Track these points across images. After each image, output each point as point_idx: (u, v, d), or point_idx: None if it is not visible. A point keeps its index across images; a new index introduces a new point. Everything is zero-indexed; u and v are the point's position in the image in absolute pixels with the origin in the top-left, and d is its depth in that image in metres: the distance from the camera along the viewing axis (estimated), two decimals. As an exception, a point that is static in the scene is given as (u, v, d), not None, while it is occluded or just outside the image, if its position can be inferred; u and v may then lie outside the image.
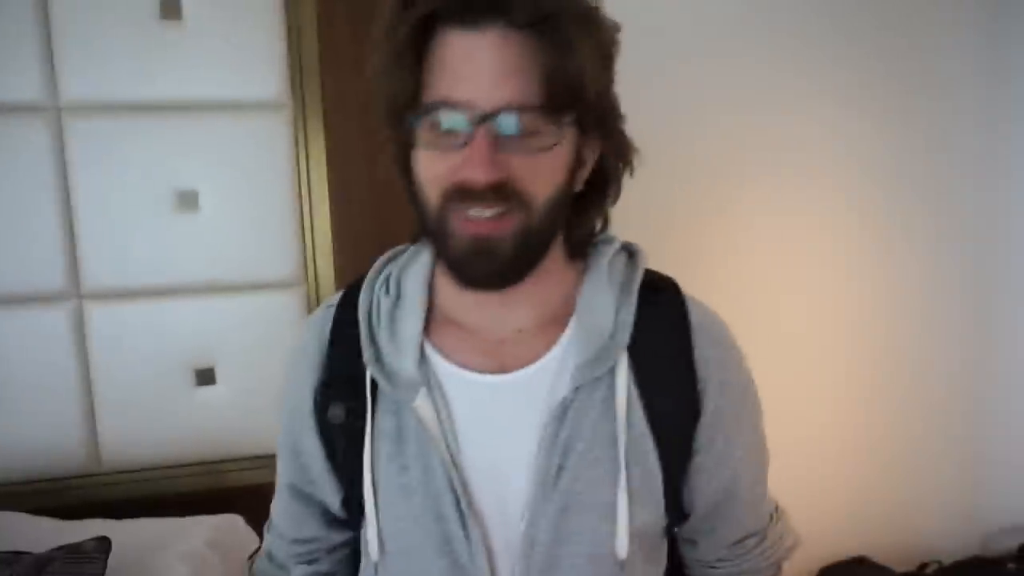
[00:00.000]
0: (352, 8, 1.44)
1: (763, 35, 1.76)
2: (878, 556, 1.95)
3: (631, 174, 0.74)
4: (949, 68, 1.89)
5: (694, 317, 0.75)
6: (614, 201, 0.75)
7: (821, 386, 1.91)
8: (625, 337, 0.72)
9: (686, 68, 1.71)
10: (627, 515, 0.70)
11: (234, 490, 1.45)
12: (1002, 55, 1.92)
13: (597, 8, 0.66)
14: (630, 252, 0.78)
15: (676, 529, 0.79)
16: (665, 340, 0.74)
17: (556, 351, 0.72)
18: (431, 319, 0.75)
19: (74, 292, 1.40)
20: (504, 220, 0.64)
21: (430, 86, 0.63)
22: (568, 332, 0.73)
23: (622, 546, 0.70)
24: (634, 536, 0.71)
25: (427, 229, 0.69)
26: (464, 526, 0.70)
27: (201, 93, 1.41)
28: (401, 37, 0.63)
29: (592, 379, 0.71)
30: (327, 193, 1.46)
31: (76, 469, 1.43)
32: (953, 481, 2.07)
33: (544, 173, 0.65)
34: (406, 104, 0.64)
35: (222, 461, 1.45)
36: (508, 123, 0.62)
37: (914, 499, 2.04)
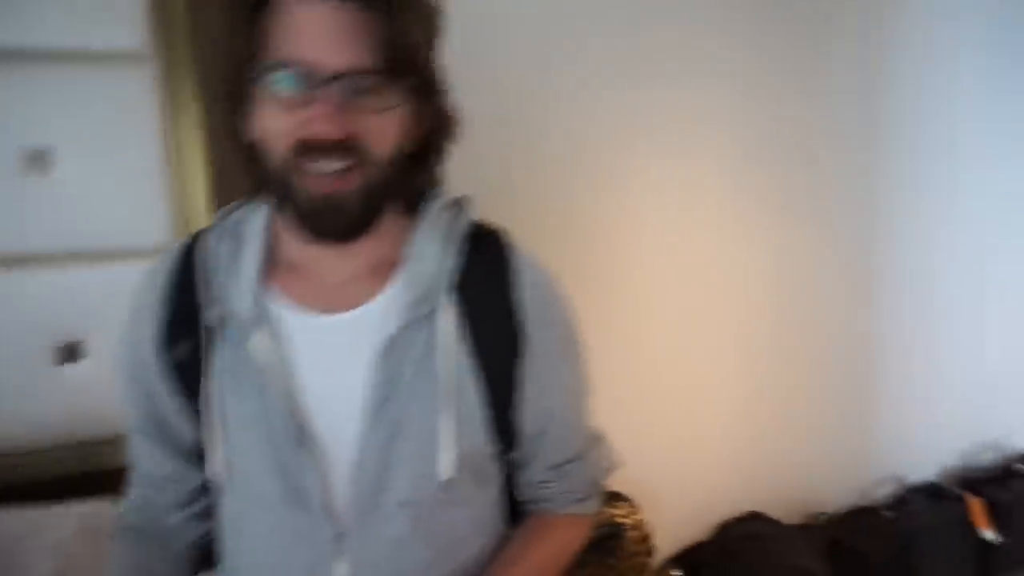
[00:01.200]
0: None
1: (646, 6, 1.73)
2: (771, 510, 2.04)
3: (454, 141, 0.82)
4: (834, 42, 1.95)
5: (517, 262, 0.84)
6: (439, 162, 0.83)
7: (713, 351, 1.96)
8: (447, 278, 0.80)
9: (568, 43, 1.67)
10: (452, 442, 0.79)
11: (108, 472, 1.32)
12: (884, 31, 2.00)
13: None
14: (457, 204, 0.85)
15: (509, 454, 0.88)
16: (488, 283, 0.82)
17: (386, 294, 0.80)
18: (271, 265, 0.82)
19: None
20: (349, 176, 0.71)
21: (273, 47, 0.69)
22: (396, 277, 0.81)
23: (444, 469, 0.79)
24: (460, 460, 0.79)
25: (270, 184, 0.74)
26: (298, 454, 0.78)
27: (52, 41, 1.26)
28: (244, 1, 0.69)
29: (417, 318, 0.78)
30: (201, 152, 1.35)
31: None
32: (837, 437, 2.20)
33: (384, 132, 0.72)
34: (248, 62, 0.70)
35: (93, 442, 1.33)
36: (353, 83, 0.68)
37: (803, 455, 2.14)
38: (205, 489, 0.90)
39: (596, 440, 0.97)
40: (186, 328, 0.80)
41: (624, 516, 1.71)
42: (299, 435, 0.78)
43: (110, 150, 1.32)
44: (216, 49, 0.74)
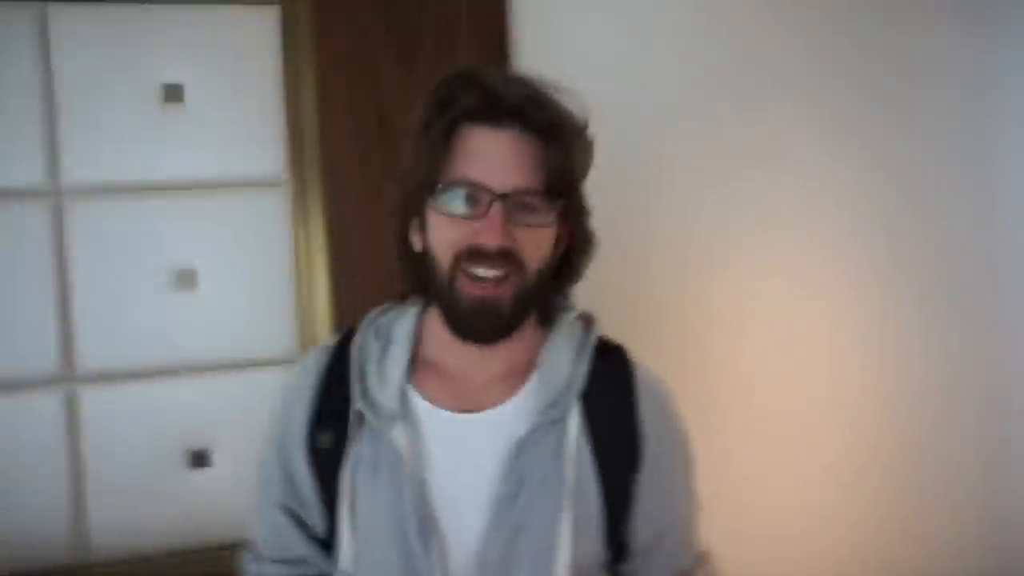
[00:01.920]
0: (352, 83, 1.47)
1: (745, 92, 1.74)
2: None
3: (592, 257, 0.91)
4: (935, 114, 1.89)
5: (639, 376, 0.91)
6: (578, 279, 0.92)
7: (827, 464, 1.86)
8: (578, 388, 0.86)
9: (666, 136, 1.70)
10: (569, 544, 0.82)
11: (230, 576, 1.39)
12: (988, 93, 1.92)
13: (587, 124, 0.85)
14: (586, 319, 0.93)
15: (617, 566, 0.91)
16: (613, 396, 0.88)
17: (519, 398, 0.86)
18: (415, 364, 0.89)
19: (68, 375, 1.37)
20: (505, 283, 0.79)
21: (455, 168, 0.80)
22: (530, 382, 0.87)
23: (561, 569, 0.81)
24: (575, 565, 0.82)
25: (434, 286, 0.83)
26: (425, 545, 0.81)
27: (201, 173, 1.42)
28: (437, 130, 0.80)
29: (548, 422, 0.84)
30: (326, 268, 1.46)
31: (64, 559, 1.37)
32: (970, 538, 2.00)
33: (539, 247, 0.82)
34: (433, 181, 0.80)
35: (220, 547, 1.39)
36: (518, 202, 0.79)
37: (935, 556, 1.96)
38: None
39: (704, 557, 0.98)
40: (334, 417, 0.86)
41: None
42: (427, 527, 0.81)
43: (246, 267, 1.45)
44: (408, 171, 0.85)
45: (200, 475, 1.43)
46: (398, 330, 0.90)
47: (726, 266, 1.76)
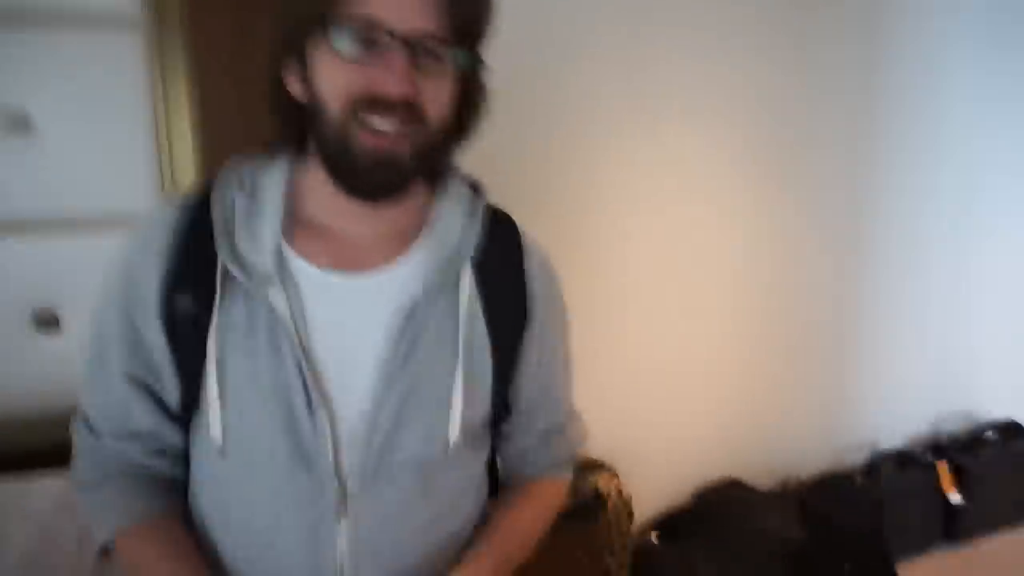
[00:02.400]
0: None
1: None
2: (748, 477, 2.09)
3: (486, 115, 0.83)
4: (825, 33, 1.96)
5: (528, 243, 0.89)
6: (471, 138, 0.84)
7: (693, 324, 1.98)
8: (470, 251, 0.83)
9: (571, 29, 1.65)
10: (461, 403, 0.80)
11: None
12: (874, 24, 2.01)
13: None
14: (473, 184, 0.89)
15: (501, 424, 0.92)
16: (504, 259, 0.86)
17: (408, 259, 0.81)
18: (290, 222, 0.81)
19: None
20: (404, 137, 0.72)
21: (341, 4, 0.69)
22: (419, 243, 0.83)
23: (454, 431, 0.81)
24: (463, 424, 0.81)
25: (321, 138, 0.74)
26: (311, 411, 0.76)
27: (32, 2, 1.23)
28: None
29: (439, 285, 0.80)
30: (187, 118, 1.32)
31: None
32: (812, 406, 2.25)
33: (440, 99, 0.74)
34: (321, 16, 0.70)
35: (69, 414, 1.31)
36: (421, 46, 0.70)
37: (779, 424, 2.19)
38: (180, 451, 0.86)
39: (575, 413, 1.01)
40: (194, 278, 0.77)
41: (605, 484, 1.73)
42: (312, 392, 0.76)
43: (93, 113, 1.29)
44: (280, 3, 0.74)
45: (49, 340, 1.32)
46: (267, 184, 0.81)
47: (617, 144, 1.76)
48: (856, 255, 2.18)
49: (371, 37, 0.69)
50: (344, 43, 0.70)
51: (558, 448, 0.97)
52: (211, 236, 0.77)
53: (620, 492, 1.74)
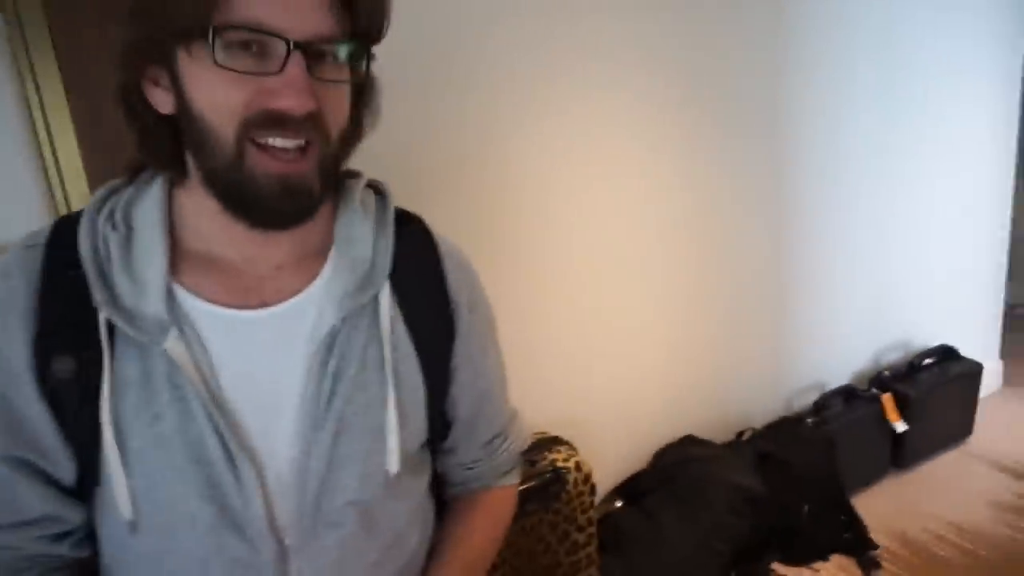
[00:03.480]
0: None
1: None
2: (703, 433, 2.11)
3: (378, 111, 0.75)
4: None
5: (442, 246, 0.82)
6: (364, 136, 0.75)
7: (635, 290, 1.97)
8: (386, 264, 0.76)
9: None
10: (397, 432, 0.74)
11: None
12: None
13: None
14: (376, 188, 0.81)
15: (441, 441, 0.86)
16: (420, 268, 0.79)
17: (318, 283, 0.74)
18: (174, 256, 0.71)
19: None
20: (307, 154, 0.64)
21: (233, 6, 0.59)
22: (329, 264, 0.74)
23: (392, 462, 0.74)
24: (401, 452, 0.75)
25: (208, 162, 0.65)
26: (233, 467, 0.68)
27: None
28: None
29: (358, 307, 0.73)
30: (71, 124, 1.21)
31: None
32: (759, 356, 2.28)
33: (340, 107, 0.67)
34: (196, 20, 0.59)
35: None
36: (319, 52, 0.62)
37: (729, 377, 2.22)
38: (83, 529, 0.75)
39: (515, 415, 0.96)
40: (72, 339, 0.66)
41: (564, 460, 1.72)
42: (233, 448, 0.68)
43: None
44: (135, 5, 0.62)
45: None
46: (141, 215, 0.70)
47: (536, 118, 1.70)
48: (784, 203, 2.20)
49: (262, 44, 0.61)
50: (229, 54, 0.60)
51: (502, 455, 0.93)
52: (82, 283, 0.67)
53: (579, 466, 1.73)
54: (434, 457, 0.89)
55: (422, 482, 0.85)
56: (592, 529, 1.75)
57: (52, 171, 1.22)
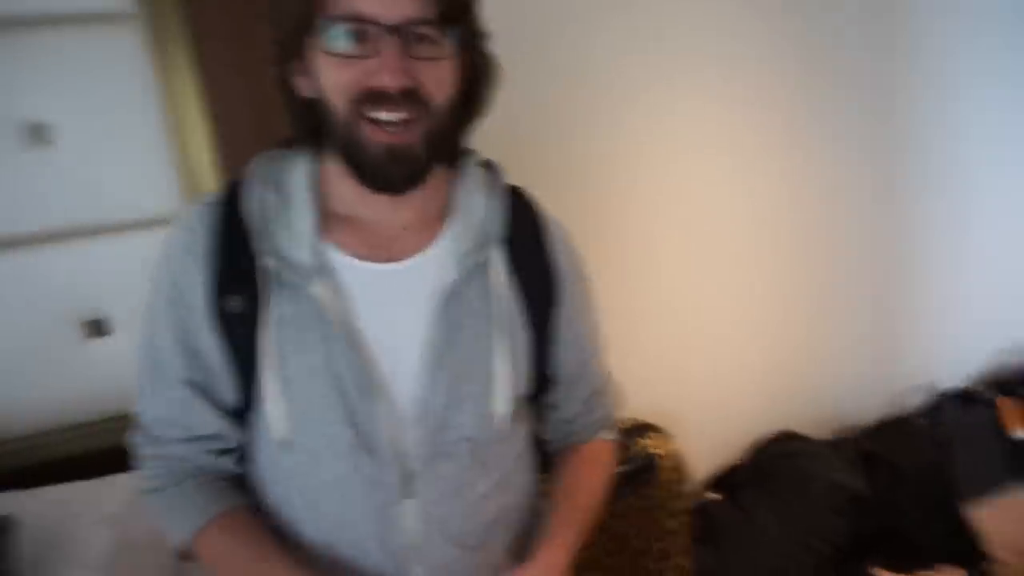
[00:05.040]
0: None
1: None
2: (804, 428, 2.06)
3: (496, 86, 0.83)
4: None
5: (547, 219, 0.92)
6: (485, 112, 0.84)
7: (737, 276, 1.94)
8: (497, 231, 0.85)
9: None
10: (506, 379, 0.84)
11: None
12: None
13: None
14: (488, 164, 0.90)
15: (544, 396, 0.95)
16: (527, 237, 0.88)
17: (439, 243, 0.84)
18: (321, 216, 0.82)
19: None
20: (413, 126, 0.73)
21: (330, 3, 0.70)
22: (448, 227, 0.85)
23: (501, 405, 0.84)
24: (509, 399, 0.84)
25: (334, 136, 0.76)
26: (367, 398, 0.79)
27: (33, 5, 1.21)
28: None
29: (473, 265, 0.83)
30: (199, 113, 1.31)
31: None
32: (866, 351, 2.19)
33: (442, 82, 0.74)
34: (310, 17, 0.71)
35: (121, 417, 1.34)
36: (411, 33, 0.70)
37: (833, 371, 2.14)
38: (240, 448, 0.88)
39: (609, 375, 1.04)
40: (239, 279, 0.79)
41: (657, 447, 1.72)
42: (367, 382, 0.79)
43: (107, 117, 1.28)
44: (274, 7, 0.74)
45: (98, 344, 1.35)
46: (293, 181, 0.82)
47: (631, 106, 1.70)
48: (903, 192, 2.10)
49: (361, 31, 0.70)
50: (335, 41, 0.71)
51: (602, 410, 1.01)
52: (246, 235, 0.79)
53: (673, 454, 1.73)
54: (538, 409, 0.97)
55: (524, 430, 0.94)
56: (684, 518, 1.74)
57: (183, 155, 1.33)
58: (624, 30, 1.65)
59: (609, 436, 1.03)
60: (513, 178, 0.92)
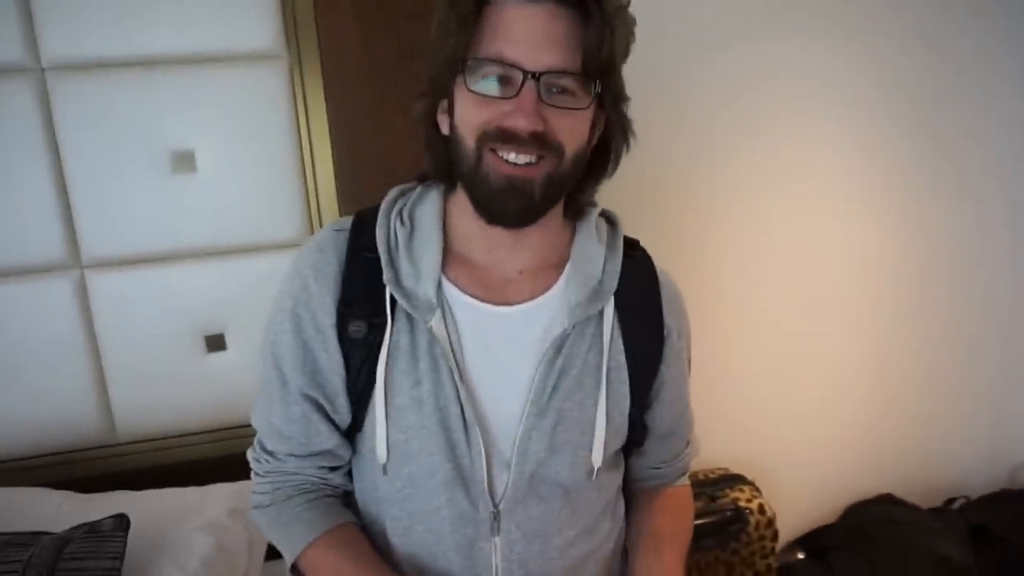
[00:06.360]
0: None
1: None
2: (903, 493, 1.94)
3: (627, 149, 0.85)
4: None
5: (661, 276, 0.93)
6: (613, 170, 0.86)
7: (842, 335, 1.87)
8: (613, 284, 0.87)
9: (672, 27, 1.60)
10: (604, 430, 0.85)
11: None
12: None
13: (629, 1, 0.78)
14: (608, 218, 0.93)
15: (637, 447, 0.95)
16: (640, 292, 0.90)
17: (554, 291, 0.86)
18: (444, 254, 0.85)
19: (74, 262, 1.36)
20: (536, 165, 0.76)
21: (485, 45, 0.75)
22: (563, 277, 0.87)
23: (597, 455, 0.85)
24: (606, 448, 0.86)
25: (461, 169, 0.79)
26: (467, 434, 0.81)
27: (191, 46, 1.33)
28: (466, 2, 0.74)
29: (585, 317, 0.85)
30: (329, 146, 1.40)
31: (91, 441, 1.42)
32: (978, 416, 2.05)
33: (574, 131, 0.77)
34: (461, 58, 0.75)
35: (237, 427, 1.43)
36: (551, 83, 0.74)
37: (937, 437, 2.02)
38: (348, 466, 0.91)
39: (693, 424, 1.05)
40: (363, 304, 0.82)
41: (748, 500, 1.66)
42: (470, 419, 0.81)
43: (247, 147, 1.38)
44: (429, 47, 0.79)
45: (216, 358, 1.44)
46: (424, 217, 0.86)
47: (734, 153, 1.68)
48: (1018, 262, 1.96)
49: (505, 75, 0.74)
50: (481, 83, 0.75)
51: (684, 459, 1.02)
52: (375, 263, 0.82)
53: (763, 508, 1.67)
54: (627, 456, 0.98)
55: (617, 478, 0.95)
56: (771, 576, 1.68)
57: (311, 185, 1.42)
58: (729, 76, 1.63)
59: (686, 482, 1.04)
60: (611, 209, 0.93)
